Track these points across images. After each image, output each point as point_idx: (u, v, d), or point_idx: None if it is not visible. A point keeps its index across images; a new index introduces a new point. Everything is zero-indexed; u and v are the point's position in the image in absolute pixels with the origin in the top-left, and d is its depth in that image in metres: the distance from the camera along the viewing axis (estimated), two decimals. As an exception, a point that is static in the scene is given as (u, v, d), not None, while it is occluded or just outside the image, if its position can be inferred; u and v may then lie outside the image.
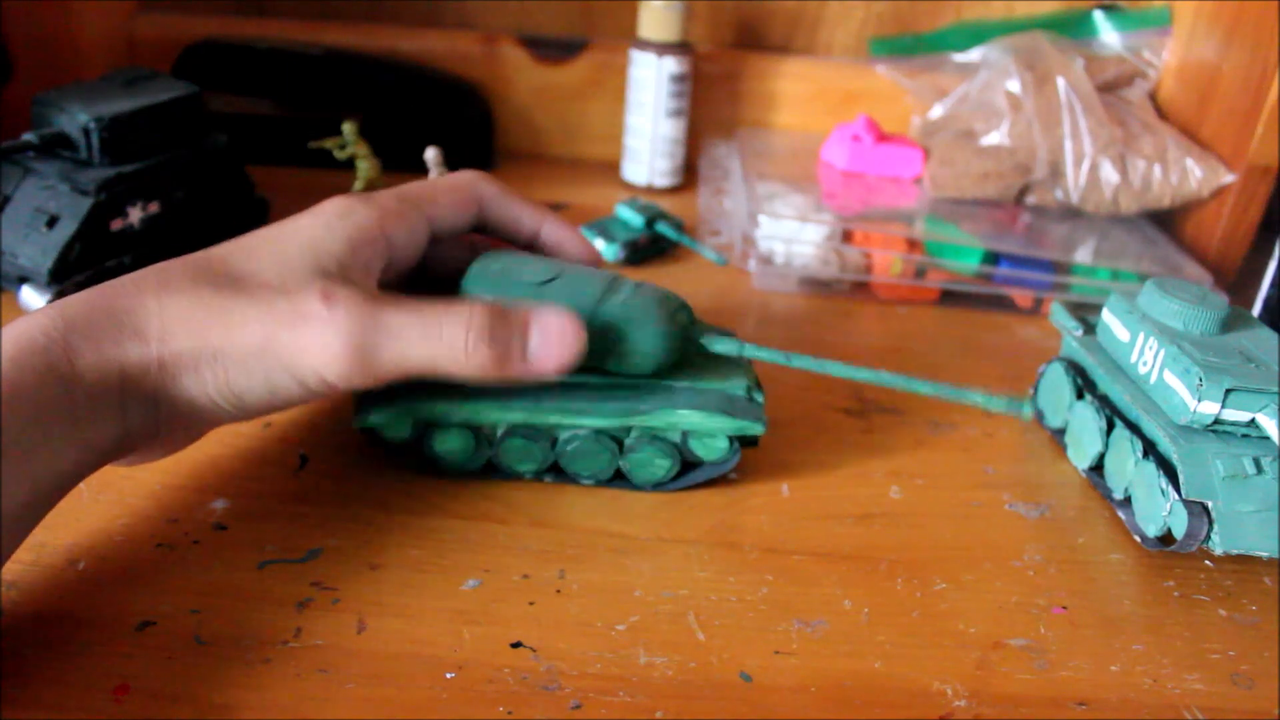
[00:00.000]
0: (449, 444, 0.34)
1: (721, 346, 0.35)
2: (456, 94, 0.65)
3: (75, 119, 0.44)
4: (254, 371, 0.29)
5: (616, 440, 0.35)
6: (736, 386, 0.35)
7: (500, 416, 0.34)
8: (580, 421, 0.34)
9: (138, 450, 0.30)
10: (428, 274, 0.36)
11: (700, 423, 0.34)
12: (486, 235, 0.38)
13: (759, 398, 0.35)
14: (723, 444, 0.35)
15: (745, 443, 0.36)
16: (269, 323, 0.28)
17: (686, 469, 0.36)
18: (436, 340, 0.29)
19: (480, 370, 0.30)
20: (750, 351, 0.34)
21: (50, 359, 0.26)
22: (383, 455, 0.36)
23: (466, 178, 0.36)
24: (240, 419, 0.30)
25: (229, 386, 0.29)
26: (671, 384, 0.34)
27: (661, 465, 0.35)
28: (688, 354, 0.35)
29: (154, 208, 0.46)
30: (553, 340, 0.31)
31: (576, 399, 0.33)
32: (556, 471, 0.35)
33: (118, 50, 0.65)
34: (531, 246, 0.38)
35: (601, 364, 0.33)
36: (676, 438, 0.35)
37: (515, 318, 0.31)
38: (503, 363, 0.30)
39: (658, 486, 0.36)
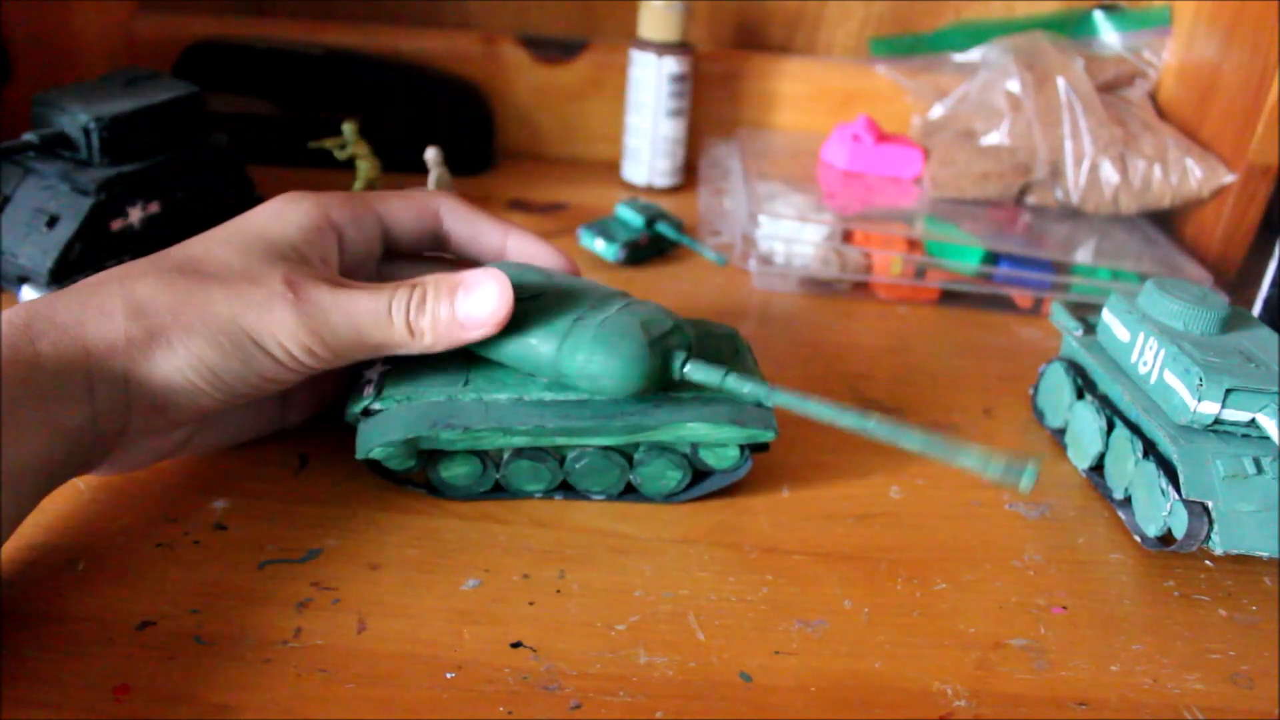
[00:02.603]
0: (455, 470, 0.34)
1: (701, 376, 0.32)
2: (456, 94, 0.65)
3: (75, 119, 0.44)
4: (226, 347, 0.29)
5: (625, 455, 0.34)
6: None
7: (504, 442, 0.33)
8: (586, 441, 0.33)
9: (111, 445, 0.29)
10: None
11: (709, 434, 0.33)
12: (452, 256, 0.38)
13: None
14: (733, 452, 0.34)
15: (756, 449, 0.35)
16: (238, 304, 0.29)
17: (698, 477, 0.35)
18: (388, 325, 0.31)
19: (427, 347, 0.31)
20: (731, 384, 0.32)
21: (12, 342, 0.27)
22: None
23: (423, 190, 0.37)
24: (221, 400, 0.30)
25: (204, 362, 0.29)
26: (678, 395, 0.34)
27: (672, 477, 0.35)
28: (668, 380, 0.33)
29: (154, 208, 0.46)
30: (476, 301, 0.31)
31: (580, 419, 0.33)
32: (566, 489, 0.35)
33: (118, 50, 0.65)
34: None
35: (576, 388, 0.33)
36: (686, 449, 0.34)
37: (443, 289, 0.31)
38: (443, 333, 0.31)
39: (670, 498, 0.35)
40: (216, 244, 0.31)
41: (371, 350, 0.31)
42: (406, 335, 0.31)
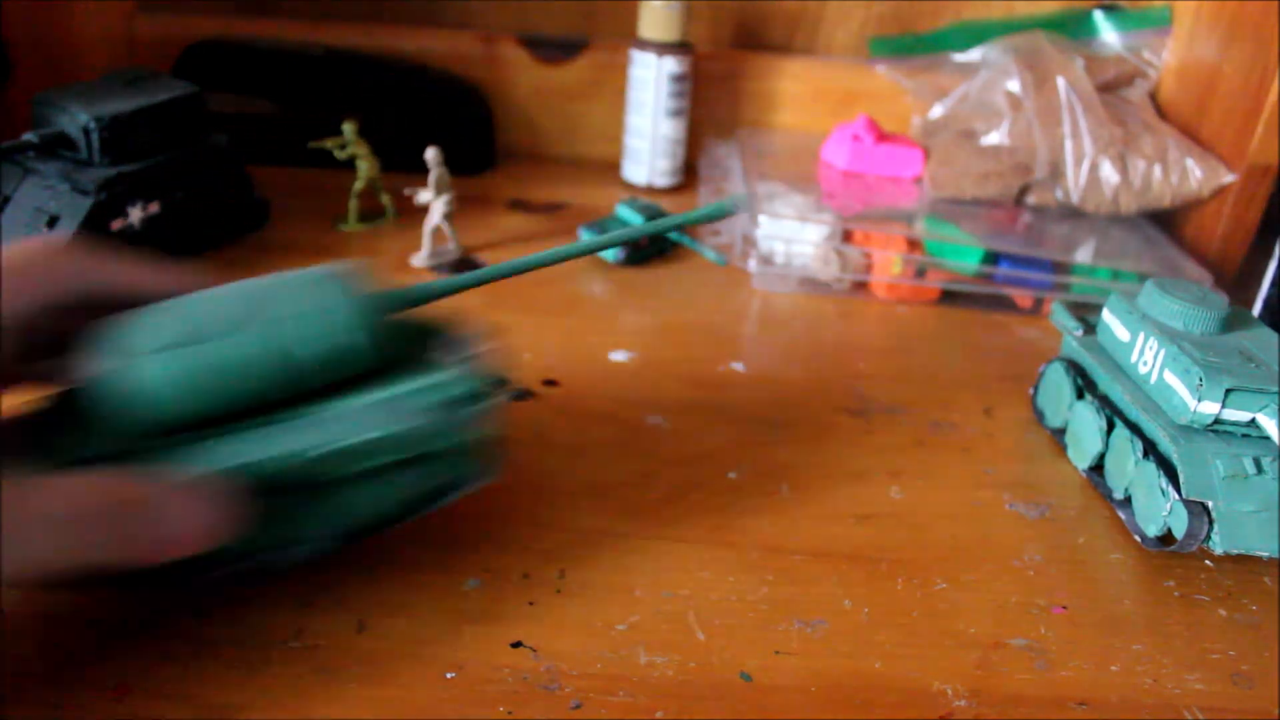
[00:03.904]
0: None
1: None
2: (456, 94, 0.65)
3: (75, 119, 0.44)
4: None
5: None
6: (436, 390, 0.27)
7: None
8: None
9: None
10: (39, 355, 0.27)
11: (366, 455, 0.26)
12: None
13: (474, 401, 0.28)
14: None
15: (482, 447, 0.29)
16: None
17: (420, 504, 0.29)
18: (75, 543, 0.23)
19: (131, 564, 0.24)
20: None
21: None
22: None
23: (29, 252, 0.27)
24: None
25: None
26: (345, 401, 0.27)
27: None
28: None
29: (154, 208, 0.46)
30: (189, 521, 0.25)
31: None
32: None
33: (118, 50, 0.65)
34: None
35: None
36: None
37: (148, 505, 0.24)
38: (147, 553, 0.25)
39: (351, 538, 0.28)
40: None
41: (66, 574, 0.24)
42: (107, 561, 0.24)
